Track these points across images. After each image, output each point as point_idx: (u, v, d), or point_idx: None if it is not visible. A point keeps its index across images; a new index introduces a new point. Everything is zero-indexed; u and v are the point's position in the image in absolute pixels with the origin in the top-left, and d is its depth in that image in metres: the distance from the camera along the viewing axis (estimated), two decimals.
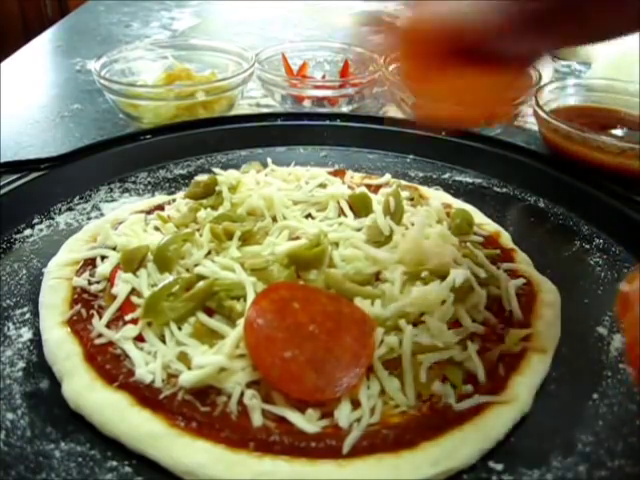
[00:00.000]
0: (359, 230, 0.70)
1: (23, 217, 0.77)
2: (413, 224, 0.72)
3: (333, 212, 0.73)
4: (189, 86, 1.05)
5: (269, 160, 0.85)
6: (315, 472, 0.46)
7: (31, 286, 0.66)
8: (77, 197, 0.83)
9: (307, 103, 1.15)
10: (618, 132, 0.96)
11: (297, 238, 0.67)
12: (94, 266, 0.66)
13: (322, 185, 0.79)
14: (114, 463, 0.48)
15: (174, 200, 0.79)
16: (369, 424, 0.49)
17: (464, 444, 0.48)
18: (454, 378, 0.53)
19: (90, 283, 0.63)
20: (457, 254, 0.65)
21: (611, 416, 0.53)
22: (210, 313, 0.58)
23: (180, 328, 0.56)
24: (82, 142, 0.97)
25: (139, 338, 0.56)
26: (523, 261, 0.70)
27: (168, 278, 0.61)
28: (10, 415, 0.51)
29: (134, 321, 0.58)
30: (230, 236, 0.67)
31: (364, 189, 0.77)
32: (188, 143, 0.95)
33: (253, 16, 1.86)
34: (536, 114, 0.96)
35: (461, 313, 0.58)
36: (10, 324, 0.61)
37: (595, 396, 0.55)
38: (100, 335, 0.57)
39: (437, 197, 0.81)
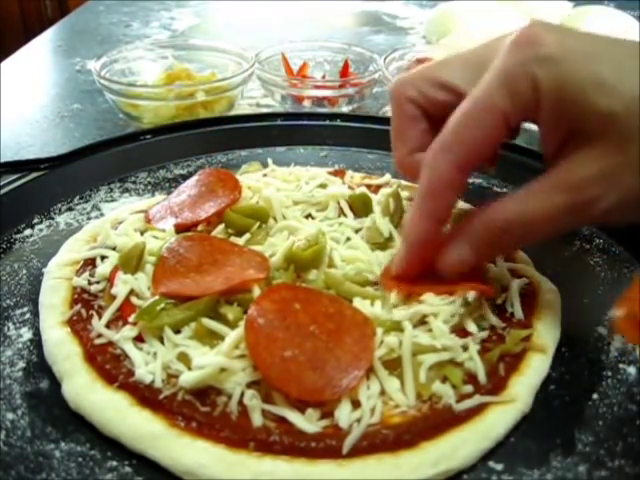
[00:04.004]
0: (359, 230, 0.70)
1: (23, 217, 0.77)
2: None
3: (333, 212, 0.73)
4: (189, 86, 1.05)
5: (269, 160, 0.85)
6: (315, 472, 0.46)
7: (31, 286, 0.66)
8: (77, 197, 0.83)
9: (307, 103, 1.15)
10: None
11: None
12: (94, 266, 0.66)
13: (322, 185, 0.78)
14: (114, 463, 0.48)
15: None
16: (369, 424, 0.49)
17: (464, 444, 0.48)
18: (454, 378, 0.53)
19: (90, 283, 0.63)
20: None
21: (611, 416, 0.53)
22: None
23: (179, 331, 0.56)
24: (82, 142, 0.97)
25: (139, 338, 0.56)
26: (523, 261, 0.70)
27: None
28: (10, 415, 0.51)
29: (134, 321, 0.58)
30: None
31: (364, 189, 0.77)
32: (188, 143, 0.95)
33: (253, 16, 1.86)
34: None
35: (467, 321, 0.58)
36: (10, 324, 0.61)
37: (595, 396, 0.55)
38: (100, 335, 0.57)
39: None
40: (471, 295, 0.58)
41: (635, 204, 0.52)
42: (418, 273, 0.60)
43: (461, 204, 0.81)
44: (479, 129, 0.53)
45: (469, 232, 0.57)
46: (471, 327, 0.57)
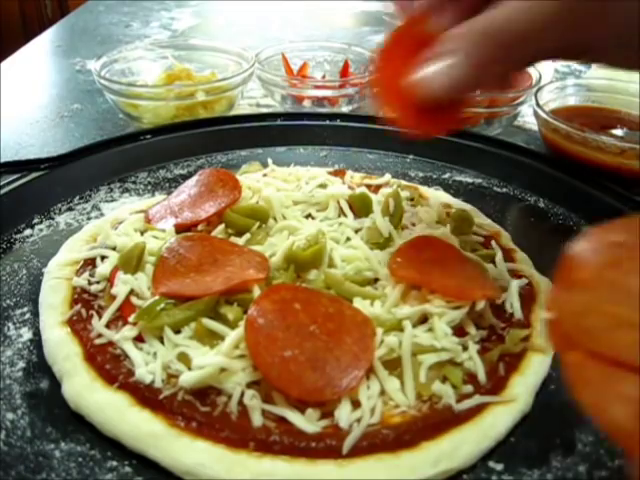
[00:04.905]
0: (359, 230, 0.70)
1: (23, 217, 0.77)
2: (413, 224, 0.72)
3: (333, 212, 0.73)
4: (189, 86, 1.05)
5: (269, 160, 0.85)
6: (315, 472, 0.46)
7: (31, 286, 0.66)
8: (77, 197, 0.83)
9: (307, 103, 1.15)
10: (618, 132, 0.96)
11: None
12: (94, 266, 0.66)
13: (322, 185, 0.78)
14: (114, 463, 0.48)
15: None
16: (369, 424, 0.49)
17: (464, 444, 0.48)
18: (454, 378, 0.53)
19: (90, 283, 0.63)
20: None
21: None
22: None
23: (179, 331, 0.56)
24: (82, 142, 0.97)
25: (139, 338, 0.56)
26: (523, 261, 0.70)
27: None
28: (10, 415, 0.51)
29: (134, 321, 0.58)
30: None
31: (364, 189, 0.77)
32: (188, 143, 0.95)
33: (253, 16, 1.86)
34: (536, 114, 0.96)
35: (467, 322, 0.58)
36: (10, 324, 0.61)
37: None
38: (100, 335, 0.57)
39: (437, 197, 0.81)
40: (480, 304, 0.57)
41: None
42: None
43: (461, 203, 0.81)
44: None
45: (448, 43, 0.52)
46: (471, 329, 0.57)
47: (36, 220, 0.78)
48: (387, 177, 0.85)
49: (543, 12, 0.50)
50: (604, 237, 0.37)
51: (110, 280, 0.63)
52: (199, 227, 0.70)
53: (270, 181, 0.78)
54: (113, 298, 0.60)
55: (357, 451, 0.47)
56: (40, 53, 1.53)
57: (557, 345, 0.35)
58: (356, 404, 0.50)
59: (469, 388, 0.52)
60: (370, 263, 0.63)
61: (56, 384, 0.54)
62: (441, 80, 0.53)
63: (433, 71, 0.54)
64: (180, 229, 0.69)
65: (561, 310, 0.35)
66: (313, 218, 0.73)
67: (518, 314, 0.61)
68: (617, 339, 0.33)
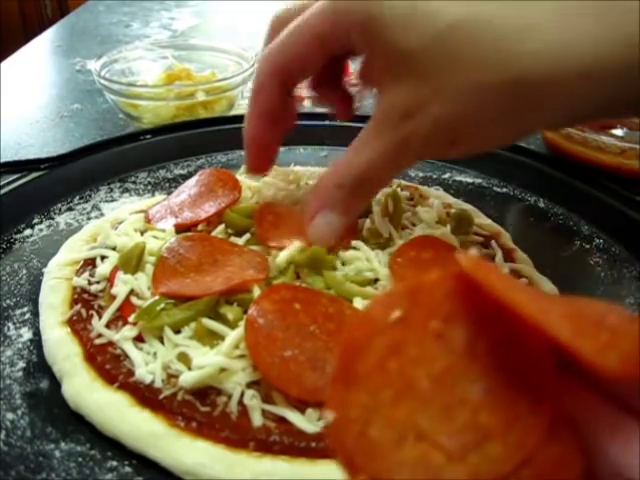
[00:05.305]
0: (359, 230, 0.70)
1: (23, 217, 0.77)
2: (414, 224, 0.72)
3: None
4: (189, 86, 1.05)
5: None
6: (315, 472, 0.46)
7: (31, 286, 0.66)
8: (77, 197, 0.83)
9: (307, 103, 1.15)
10: (618, 132, 0.96)
11: None
12: (94, 266, 0.66)
13: None
14: (114, 463, 0.48)
15: None
16: None
17: None
18: None
19: (90, 283, 0.63)
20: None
21: None
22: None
23: (179, 331, 0.56)
24: (82, 142, 0.97)
25: (139, 338, 0.56)
26: (523, 261, 0.70)
27: None
28: (10, 415, 0.51)
29: (134, 321, 0.58)
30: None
31: None
32: (188, 143, 0.95)
33: (253, 16, 1.86)
34: None
35: None
36: (10, 324, 0.61)
37: None
38: (100, 335, 0.57)
39: (437, 197, 0.81)
40: None
41: (449, 134, 0.52)
42: (263, 170, 0.71)
43: (461, 203, 0.81)
44: (294, 46, 0.58)
45: (323, 199, 0.59)
46: None
47: (36, 220, 0.78)
48: None
49: (385, 159, 0.56)
50: (385, 312, 0.28)
51: (110, 280, 0.63)
52: (199, 227, 0.70)
53: (270, 181, 0.78)
54: (113, 298, 0.60)
55: None
56: (40, 53, 1.53)
57: (341, 465, 0.26)
58: None
59: None
60: (370, 263, 0.63)
61: (56, 384, 0.54)
62: (326, 234, 0.60)
63: (315, 230, 0.60)
64: (180, 229, 0.69)
65: (340, 416, 0.26)
66: None
67: None
68: (401, 458, 0.25)
